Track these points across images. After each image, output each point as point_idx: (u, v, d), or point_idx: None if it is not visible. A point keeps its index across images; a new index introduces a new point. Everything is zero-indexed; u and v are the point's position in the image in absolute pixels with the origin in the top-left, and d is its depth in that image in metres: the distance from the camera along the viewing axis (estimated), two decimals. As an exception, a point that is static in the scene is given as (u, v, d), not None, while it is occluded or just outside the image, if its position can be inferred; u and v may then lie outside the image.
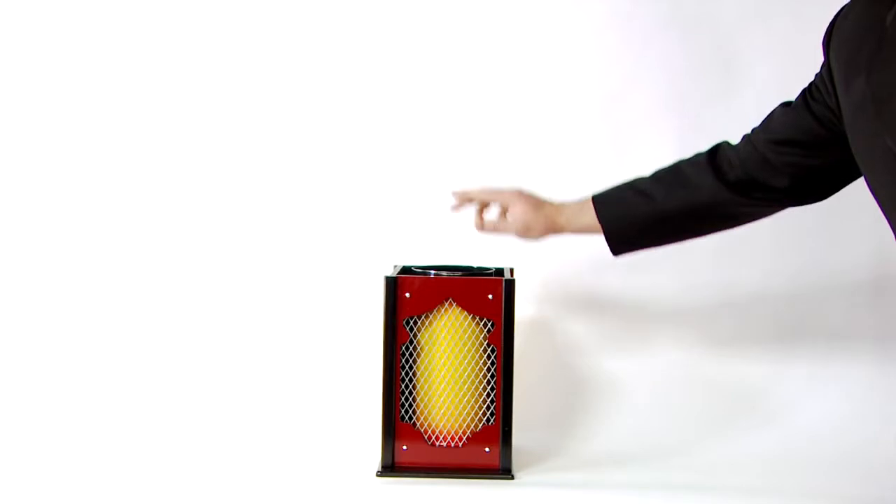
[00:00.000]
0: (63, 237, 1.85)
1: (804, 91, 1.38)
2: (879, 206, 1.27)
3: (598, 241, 1.83)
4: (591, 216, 1.52)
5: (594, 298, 1.83)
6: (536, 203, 1.57)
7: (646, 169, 1.82)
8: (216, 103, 1.85)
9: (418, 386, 1.50)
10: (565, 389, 1.78)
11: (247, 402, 1.74)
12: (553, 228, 1.56)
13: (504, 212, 1.60)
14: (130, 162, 1.85)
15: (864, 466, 1.54)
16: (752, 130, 1.44)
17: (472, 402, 1.49)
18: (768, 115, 1.43)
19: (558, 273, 1.84)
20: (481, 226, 1.61)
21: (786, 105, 1.41)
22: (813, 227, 1.80)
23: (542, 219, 1.56)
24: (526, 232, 1.57)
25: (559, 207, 1.57)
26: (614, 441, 1.66)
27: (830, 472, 1.52)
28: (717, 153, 1.46)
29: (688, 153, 1.50)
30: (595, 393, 1.77)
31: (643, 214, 1.48)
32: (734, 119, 1.79)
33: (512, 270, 1.58)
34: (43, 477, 1.44)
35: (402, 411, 1.49)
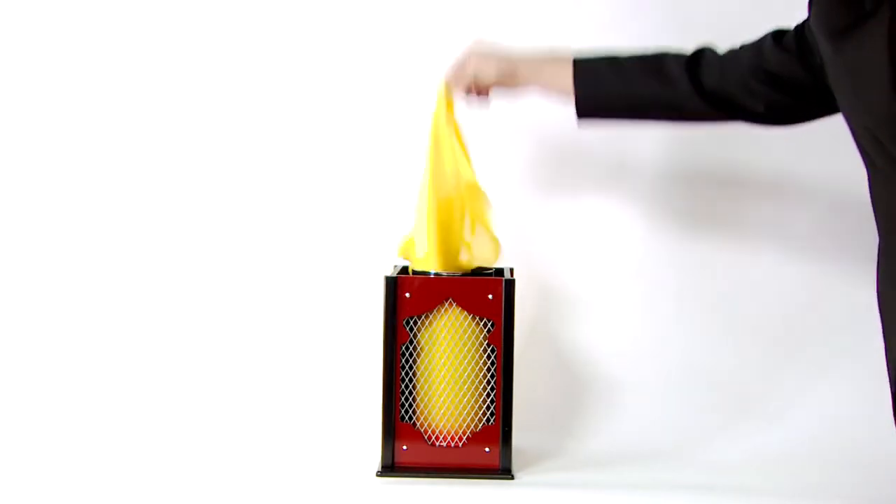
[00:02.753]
0: (63, 237, 1.84)
1: (797, 35, 1.38)
2: (864, 162, 1.27)
3: (599, 241, 1.84)
4: (564, 78, 1.49)
5: (594, 298, 1.83)
6: (507, 64, 1.54)
7: (645, 169, 1.82)
8: (216, 104, 1.85)
9: (418, 386, 1.50)
10: (565, 389, 1.78)
11: (247, 402, 1.74)
12: (512, 74, 1.53)
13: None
14: (130, 162, 1.85)
15: (864, 467, 1.54)
16: (742, 48, 1.43)
17: (472, 402, 1.49)
18: (760, 40, 1.42)
19: (558, 273, 1.84)
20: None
21: (777, 37, 1.41)
22: (814, 226, 1.80)
23: (494, 62, 1.53)
24: (479, 78, 1.54)
25: (522, 58, 1.54)
26: (614, 441, 1.66)
27: (830, 472, 1.52)
28: (701, 58, 1.45)
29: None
30: (595, 393, 1.77)
31: (616, 92, 1.47)
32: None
33: (512, 270, 1.58)
34: (43, 477, 1.44)
35: (402, 411, 1.49)
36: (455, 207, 1.55)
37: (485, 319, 1.49)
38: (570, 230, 1.84)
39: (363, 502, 1.39)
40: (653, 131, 1.84)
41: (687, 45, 1.83)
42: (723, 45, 1.85)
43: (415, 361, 1.50)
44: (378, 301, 1.50)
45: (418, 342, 1.50)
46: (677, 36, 1.82)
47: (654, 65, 1.47)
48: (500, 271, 1.58)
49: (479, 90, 1.56)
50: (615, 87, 1.47)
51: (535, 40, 1.83)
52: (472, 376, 1.49)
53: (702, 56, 1.45)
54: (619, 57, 1.49)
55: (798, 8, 1.80)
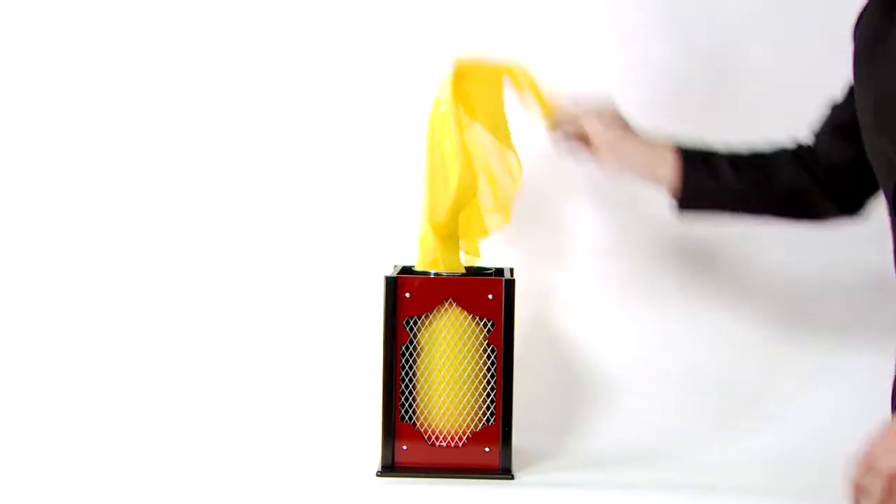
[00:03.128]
0: (62, 237, 1.84)
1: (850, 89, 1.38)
2: (888, 203, 1.27)
3: (599, 241, 1.84)
4: (667, 167, 1.45)
5: (594, 298, 1.83)
6: (622, 124, 1.49)
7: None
8: (215, 104, 1.85)
9: (418, 386, 1.50)
10: (565, 389, 1.78)
11: (247, 403, 1.74)
12: (620, 140, 1.47)
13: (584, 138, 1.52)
14: (129, 163, 1.85)
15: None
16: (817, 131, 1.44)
17: (472, 402, 1.49)
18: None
19: (558, 273, 1.84)
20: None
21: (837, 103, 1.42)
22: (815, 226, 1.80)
23: (629, 143, 1.46)
24: (608, 154, 1.48)
25: (633, 132, 1.48)
26: (614, 441, 1.66)
27: (830, 472, 1.52)
28: (793, 149, 1.45)
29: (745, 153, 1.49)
30: (595, 393, 1.77)
31: (723, 183, 1.44)
32: (733, 120, 1.80)
33: (512, 270, 1.58)
34: (43, 477, 1.44)
35: (402, 411, 1.49)
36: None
37: (485, 319, 1.49)
38: (570, 230, 1.84)
39: (363, 502, 1.39)
40: (654, 126, 1.85)
41: (686, 45, 1.85)
42: (723, 44, 1.85)
43: (415, 361, 1.50)
44: (378, 301, 1.50)
45: (418, 342, 1.50)
46: (676, 36, 1.83)
47: (754, 156, 1.46)
48: (500, 271, 1.58)
49: (580, 139, 1.52)
50: (722, 177, 1.44)
51: (534, 41, 1.84)
52: (472, 376, 1.49)
53: (793, 147, 1.45)
54: (716, 151, 1.47)
55: (793, 6, 1.82)
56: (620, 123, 1.50)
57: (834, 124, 1.40)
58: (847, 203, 1.44)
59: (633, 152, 1.47)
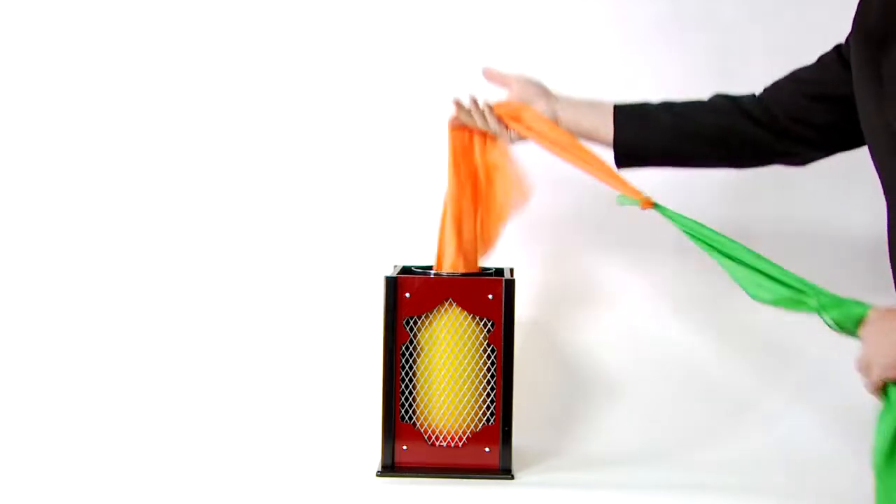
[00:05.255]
0: (63, 238, 1.84)
1: (837, 46, 1.39)
2: (882, 183, 1.28)
3: (599, 241, 1.84)
4: (605, 125, 1.48)
5: (594, 298, 1.83)
6: (541, 87, 1.54)
7: (644, 171, 1.82)
8: (216, 104, 1.85)
9: (418, 386, 1.50)
10: (565, 389, 1.78)
11: (247, 403, 1.74)
12: (552, 114, 1.51)
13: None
14: (130, 163, 1.85)
15: (863, 467, 1.54)
16: (778, 81, 1.46)
17: (472, 402, 1.49)
18: (797, 70, 1.45)
19: (558, 273, 1.84)
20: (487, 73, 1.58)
21: (821, 59, 1.42)
22: (814, 226, 1.80)
23: (544, 101, 1.52)
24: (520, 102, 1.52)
25: (562, 99, 1.53)
26: (614, 441, 1.66)
27: (830, 472, 1.52)
28: (743, 95, 1.46)
29: (677, 101, 1.50)
30: (595, 393, 1.77)
31: (660, 130, 1.46)
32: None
33: (512, 270, 1.58)
34: (43, 477, 1.44)
35: (402, 411, 1.49)
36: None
37: (485, 319, 1.49)
38: (571, 230, 1.84)
39: (363, 502, 1.39)
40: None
41: (686, 45, 1.85)
42: (723, 44, 1.86)
43: (415, 361, 1.50)
44: (378, 301, 1.50)
45: (418, 342, 1.50)
46: (676, 36, 1.83)
47: (698, 102, 1.48)
48: (500, 271, 1.58)
49: (510, 117, 1.53)
50: (659, 126, 1.47)
51: (534, 41, 1.84)
52: (472, 376, 1.49)
53: (743, 95, 1.46)
54: (657, 103, 1.49)
55: (793, 6, 1.82)
56: (540, 88, 1.54)
57: (813, 91, 1.40)
58: (794, 154, 1.45)
59: (567, 107, 1.51)
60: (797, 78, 1.43)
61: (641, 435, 1.68)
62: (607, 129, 1.48)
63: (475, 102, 1.53)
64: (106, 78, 1.85)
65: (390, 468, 1.48)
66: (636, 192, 1.42)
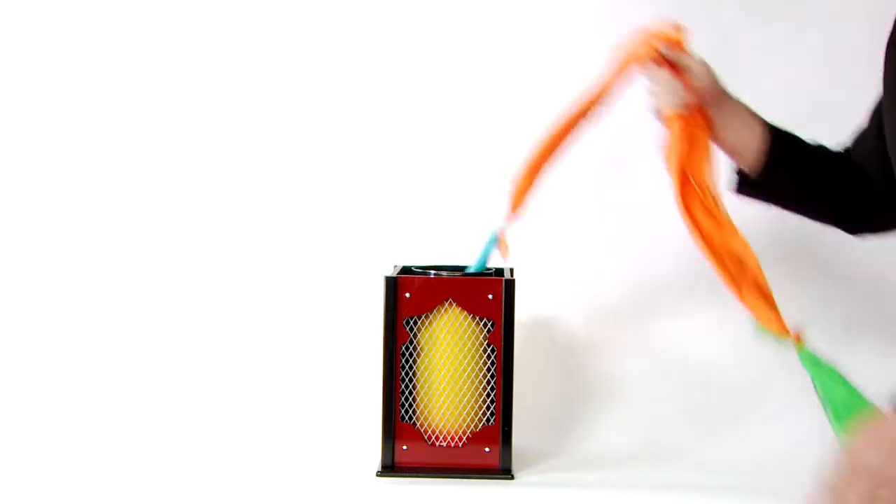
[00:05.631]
0: (63, 238, 1.84)
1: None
2: None
3: (600, 241, 1.84)
4: (757, 137, 1.37)
5: (594, 298, 1.83)
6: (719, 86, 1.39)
7: (644, 171, 1.82)
8: (216, 104, 1.85)
9: (418, 386, 1.50)
10: (565, 389, 1.78)
11: (247, 402, 1.74)
12: (718, 94, 1.38)
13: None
14: (130, 163, 1.85)
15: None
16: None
17: (472, 402, 1.49)
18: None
19: (558, 273, 1.84)
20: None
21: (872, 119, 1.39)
22: (814, 226, 1.80)
23: (718, 96, 1.37)
24: (710, 103, 1.37)
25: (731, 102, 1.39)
26: (614, 441, 1.66)
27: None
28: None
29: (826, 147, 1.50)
30: (595, 393, 1.77)
31: (809, 171, 1.38)
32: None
33: (512, 270, 1.58)
34: (43, 477, 1.44)
35: (402, 411, 1.49)
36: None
37: (485, 319, 1.49)
38: (571, 230, 1.84)
39: (363, 502, 1.39)
40: (654, 133, 1.84)
41: (686, 45, 1.85)
42: (723, 44, 1.86)
43: (415, 361, 1.50)
44: (378, 301, 1.50)
45: (418, 342, 1.50)
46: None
47: (842, 153, 1.42)
48: (500, 271, 1.58)
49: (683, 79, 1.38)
50: (808, 167, 1.39)
51: (534, 41, 1.84)
52: (472, 376, 1.49)
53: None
54: (812, 143, 1.42)
55: (794, 6, 1.82)
56: (720, 86, 1.42)
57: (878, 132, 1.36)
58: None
59: (733, 111, 1.39)
60: (868, 126, 1.38)
61: (641, 435, 1.68)
62: (756, 148, 1.38)
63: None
64: (106, 78, 1.85)
65: (390, 468, 1.48)
66: (784, 327, 1.31)
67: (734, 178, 1.44)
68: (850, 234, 1.46)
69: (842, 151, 1.43)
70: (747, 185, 1.42)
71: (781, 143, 1.39)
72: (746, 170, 1.41)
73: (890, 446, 0.98)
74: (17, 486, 1.41)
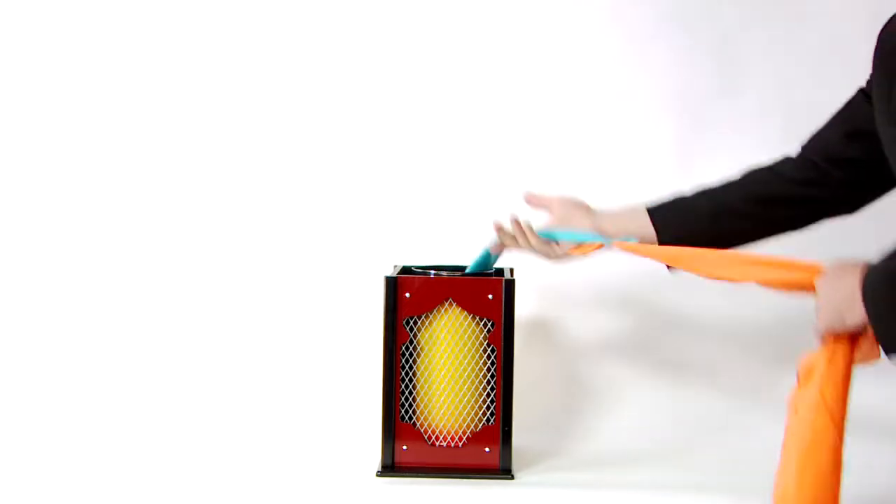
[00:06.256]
0: (63, 239, 1.85)
1: (861, 88, 1.38)
2: None
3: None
4: (641, 220, 1.47)
5: (594, 298, 1.83)
6: (582, 206, 1.52)
7: (644, 171, 1.83)
8: (216, 104, 1.85)
9: (418, 386, 1.50)
10: (565, 389, 1.78)
11: (247, 403, 1.74)
12: (598, 228, 1.49)
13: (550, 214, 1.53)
14: (131, 163, 1.85)
15: (865, 467, 1.54)
16: (814, 134, 1.44)
17: (472, 402, 1.49)
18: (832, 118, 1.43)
19: (558, 273, 1.84)
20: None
21: (852, 100, 1.40)
22: (816, 226, 1.80)
23: (587, 218, 1.49)
24: (563, 223, 1.49)
25: (602, 213, 1.51)
26: (614, 441, 1.66)
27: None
28: (771, 165, 1.45)
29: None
30: (595, 393, 1.77)
31: (703, 212, 1.44)
32: (734, 119, 1.80)
33: (512, 270, 1.58)
34: (43, 477, 1.44)
35: (402, 411, 1.49)
36: None
37: (485, 319, 1.49)
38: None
39: (363, 502, 1.39)
40: (653, 131, 1.85)
41: (687, 45, 1.85)
42: (723, 44, 1.86)
43: (415, 361, 1.50)
44: (378, 301, 1.50)
45: (418, 342, 1.50)
46: (678, 36, 1.83)
47: (732, 182, 1.46)
48: (500, 271, 1.58)
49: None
50: (697, 215, 1.44)
51: (535, 40, 1.84)
52: (472, 376, 1.49)
53: (777, 160, 1.45)
54: (690, 193, 1.47)
55: (794, 6, 1.82)
56: (581, 206, 1.52)
57: (846, 129, 1.39)
58: (841, 202, 1.44)
59: (612, 228, 1.48)
60: (829, 123, 1.42)
61: (641, 435, 1.68)
62: (651, 232, 1.46)
63: (517, 223, 1.50)
64: (106, 78, 1.85)
65: (390, 468, 1.48)
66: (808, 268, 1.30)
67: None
68: (795, 229, 1.48)
69: (728, 182, 1.46)
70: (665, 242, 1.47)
71: (661, 212, 1.46)
72: (656, 232, 1.46)
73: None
74: (18, 486, 1.41)
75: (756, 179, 1.45)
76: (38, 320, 1.82)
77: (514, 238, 1.50)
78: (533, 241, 1.49)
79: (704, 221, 1.45)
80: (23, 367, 1.78)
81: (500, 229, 1.51)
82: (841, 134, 1.39)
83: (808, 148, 1.44)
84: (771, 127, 1.60)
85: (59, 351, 1.80)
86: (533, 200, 1.55)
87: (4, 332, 1.81)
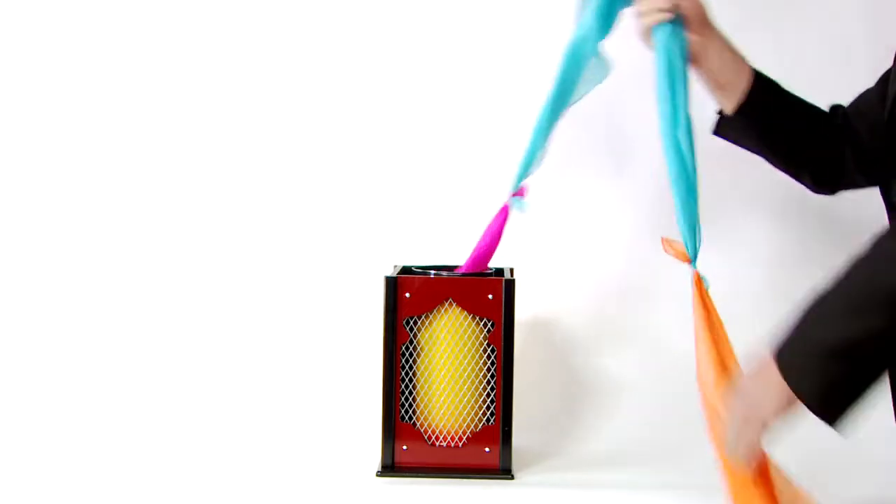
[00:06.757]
0: (64, 239, 1.85)
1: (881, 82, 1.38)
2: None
3: (599, 240, 1.84)
4: (742, 76, 1.40)
5: (594, 298, 1.83)
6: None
7: (644, 171, 1.83)
8: (216, 104, 1.85)
9: (418, 386, 1.50)
10: (565, 389, 1.78)
11: (247, 402, 1.74)
12: (703, 46, 1.39)
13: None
14: (131, 163, 1.85)
15: (866, 466, 1.54)
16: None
17: (472, 402, 1.49)
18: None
19: (558, 273, 1.84)
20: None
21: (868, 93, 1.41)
22: (816, 223, 1.80)
23: (707, 28, 1.39)
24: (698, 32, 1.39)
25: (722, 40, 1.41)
26: (614, 441, 1.66)
27: (830, 472, 1.52)
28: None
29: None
30: (595, 393, 1.77)
31: (787, 110, 1.42)
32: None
33: (512, 270, 1.58)
34: (43, 477, 1.44)
35: (402, 411, 1.49)
36: None
37: (485, 319, 1.49)
38: (571, 230, 1.84)
39: (363, 502, 1.39)
40: (653, 130, 1.84)
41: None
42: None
43: (415, 361, 1.50)
44: (378, 301, 1.50)
45: (418, 342, 1.50)
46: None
47: (820, 109, 1.44)
48: (500, 271, 1.58)
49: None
50: (788, 112, 1.42)
51: (535, 40, 1.84)
52: (472, 376, 1.49)
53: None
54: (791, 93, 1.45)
55: (794, 6, 1.82)
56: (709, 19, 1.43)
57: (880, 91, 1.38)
58: (834, 174, 1.44)
59: (721, 48, 1.41)
60: (871, 89, 1.41)
61: (641, 435, 1.68)
62: (740, 89, 1.40)
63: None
64: (106, 79, 1.85)
65: (390, 468, 1.48)
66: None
67: (715, 119, 1.46)
68: (812, 189, 1.47)
69: (825, 110, 1.45)
70: (725, 125, 1.45)
71: (763, 87, 1.41)
72: (727, 109, 1.43)
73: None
74: (18, 486, 1.41)
75: (828, 113, 1.43)
76: (38, 320, 1.83)
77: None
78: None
79: (781, 115, 1.42)
80: (23, 367, 1.78)
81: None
82: (874, 94, 1.38)
83: (851, 105, 1.42)
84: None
85: (59, 351, 1.80)
86: None
87: (4, 332, 1.81)
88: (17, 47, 1.84)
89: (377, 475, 1.47)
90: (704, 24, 1.40)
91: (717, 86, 1.43)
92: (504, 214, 1.54)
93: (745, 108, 1.42)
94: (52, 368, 1.78)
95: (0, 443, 1.58)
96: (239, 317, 1.83)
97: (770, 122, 1.42)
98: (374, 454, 1.51)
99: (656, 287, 1.83)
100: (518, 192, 1.51)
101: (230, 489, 1.41)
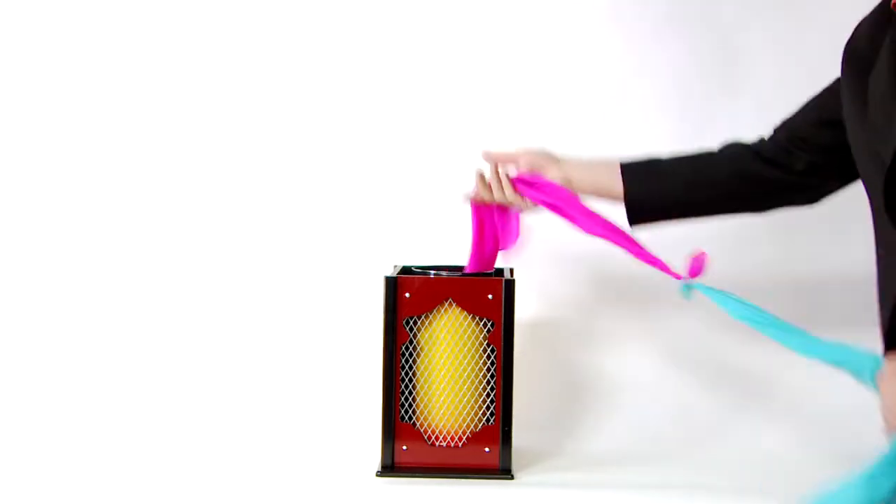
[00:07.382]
0: (64, 239, 1.84)
1: (837, 78, 1.39)
2: (872, 211, 1.29)
3: (598, 241, 1.84)
4: (612, 174, 1.48)
5: (594, 298, 1.83)
6: (549, 155, 1.53)
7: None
8: (216, 104, 1.85)
9: (418, 386, 1.50)
10: (565, 389, 1.78)
11: (247, 403, 1.74)
12: (566, 180, 1.50)
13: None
14: (131, 163, 1.85)
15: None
16: (774, 130, 1.46)
17: (472, 402, 1.49)
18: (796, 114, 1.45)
19: (558, 273, 1.84)
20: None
21: (809, 105, 1.44)
22: (817, 220, 1.80)
23: (555, 168, 1.50)
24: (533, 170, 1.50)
25: (571, 162, 1.52)
26: (614, 441, 1.66)
27: (831, 470, 1.52)
28: (748, 143, 1.47)
29: (687, 153, 1.50)
30: (595, 393, 1.77)
31: (680, 178, 1.46)
32: (734, 118, 1.80)
33: (512, 270, 1.58)
34: (43, 477, 1.44)
35: (402, 411, 1.49)
36: None
37: (485, 319, 1.49)
38: (570, 230, 1.84)
39: (363, 502, 1.39)
40: (653, 130, 1.85)
41: (688, 45, 1.85)
42: (723, 44, 1.85)
43: (415, 361, 1.50)
44: (378, 301, 1.50)
45: (418, 342, 1.50)
46: (678, 36, 1.83)
47: (708, 152, 1.48)
48: (500, 271, 1.58)
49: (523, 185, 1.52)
50: (669, 178, 1.46)
51: (536, 40, 1.84)
52: (472, 376, 1.49)
53: (753, 141, 1.47)
54: (666, 157, 1.49)
55: (794, 6, 1.82)
56: (547, 156, 1.53)
57: (819, 117, 1.41)
58: (806, 188, 1.46)
59: (574, 166, 1.51)
60: (804, 107, 1.44)
61: (641, 435, 1.68)
62: (619, 188, 1.47)
63: (496, 172, 1.51)
64: (106, 79, 1.85)
65: (390, 468, 1.48)
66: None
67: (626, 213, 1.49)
68: (801, 205, 1.49)
69: (708, 152, 1.48)
70: (633, 214, 1.48)
71: (634, 168, 1.47)
72: (623, 201, 1.48)
73: None
74: (18, 486, 1.41)
75: (736, 154, 1.46)
76: (39, 321, 1.82)
77: (489, 190, 1.51)
78: (507, 192, 1.50)
79: (679, 188, 1.46)
80: (23, 367, 1.78)
81: (481, 178, 1.51)
82: (814, 119, 1.41)
83: (780, 130, 1.46)
84: (771, 127, 1.60)
85: (59, 351, 1.80)
86: (495, 157, 1.53)
87: (4, 332, 1.81)
88: (18, 48, 1.84)
89: (377, 475, 1.47)
90: (552, 163, 1.50)
91: (597, 192, 1.50)
92: (504, 215, 1.54)
93: (633, 197, 1.47)
94: (52, 368, 1.78)
95: (0, 443, 1.58)
96: (239, 317, 1.83)
97: (669, 195, 1.47)
98: (374, 454, 1.51)
99: (656, 287, 1.83)
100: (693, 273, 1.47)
101: (231, 489, 1.41)
